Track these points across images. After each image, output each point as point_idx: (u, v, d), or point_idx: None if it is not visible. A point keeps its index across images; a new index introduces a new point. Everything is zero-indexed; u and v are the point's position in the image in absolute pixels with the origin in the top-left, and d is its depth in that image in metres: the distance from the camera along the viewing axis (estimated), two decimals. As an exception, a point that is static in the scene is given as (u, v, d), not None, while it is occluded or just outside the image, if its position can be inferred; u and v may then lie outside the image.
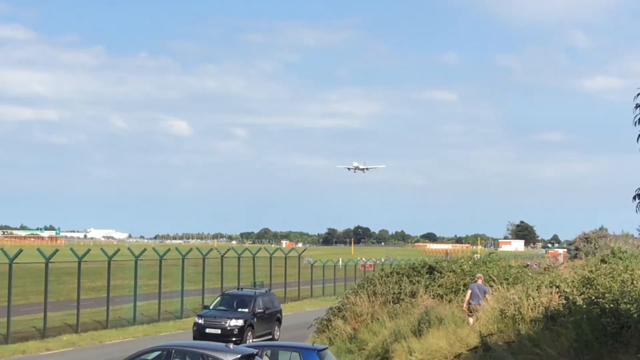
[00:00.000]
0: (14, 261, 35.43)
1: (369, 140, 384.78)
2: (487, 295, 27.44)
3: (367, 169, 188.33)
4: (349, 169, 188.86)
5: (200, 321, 35.16)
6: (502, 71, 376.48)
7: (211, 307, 36.74)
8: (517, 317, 20.08)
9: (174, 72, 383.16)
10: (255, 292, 38.08)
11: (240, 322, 34.89)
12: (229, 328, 34.58)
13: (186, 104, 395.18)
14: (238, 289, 41.39)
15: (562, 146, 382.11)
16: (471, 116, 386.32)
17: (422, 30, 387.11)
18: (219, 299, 38.07)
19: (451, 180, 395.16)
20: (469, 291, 28.59)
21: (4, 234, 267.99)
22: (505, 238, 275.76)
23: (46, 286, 37.30)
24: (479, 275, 29.72)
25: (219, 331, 34.25)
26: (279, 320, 38.84)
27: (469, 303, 28.14)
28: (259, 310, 36.61)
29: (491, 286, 27.79)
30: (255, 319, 35.85)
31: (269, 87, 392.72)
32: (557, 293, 20.61)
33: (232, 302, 36.89)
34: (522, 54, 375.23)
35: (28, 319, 39.22)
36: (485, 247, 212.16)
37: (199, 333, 34.55)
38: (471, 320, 25.30)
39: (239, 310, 36.17)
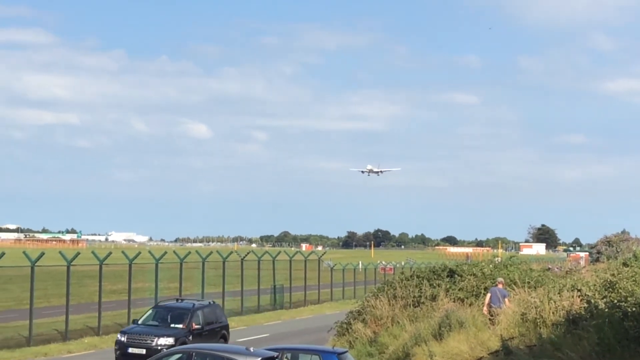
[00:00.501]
0: (36, 264, 35.63)
1: (390, 142, 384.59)
2: (506, 300, 27.49)
3: (381, 171, 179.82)
4: (362, 172, 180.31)
5: (123, 339, 29.97)
6: (524, 73, 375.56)
7: (140, 322, 31.36)
8: (538, 320, 19.98)
9: (194, 75, 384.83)
10: (194, 305, 32.41)
11: (170, 341, 29.52)
12: (157, 348, 28.77)
13: (206, 107, 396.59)
14: (177, 299, 35.22)
15: (584, 148, 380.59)
16: (492, 118, 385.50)
17: (443, 32, 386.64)
18: (150, 311, 32.59)
19: (472, 183, 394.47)
20: (489, 294, 28.51)
21: (26, 237, 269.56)
22: (527, 241, 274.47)
23: (68, 289, 37.48)
24: (499, 279, 29.60)
25: (143, 351, 29.00)
26: (225, 338, 33.18)
27: (489, 306, 28.04)
28: (197, 326, 31.21)
29: (512, 290, 27.67)
30: (190, 337, 30.43)
31: (289, 89, 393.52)
32: (579, 297, 20.49)
33: (165, 316, 31.65)
34: (543, 56, 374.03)
35: (50, 322, 39.42)
36: (506, 250, 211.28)
37: (121, 354, 29.77)
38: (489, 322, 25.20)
39: (172, 325, 30.94)
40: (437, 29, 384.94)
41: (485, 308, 28.08)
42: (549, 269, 44.18)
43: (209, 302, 34.18)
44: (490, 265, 35.16)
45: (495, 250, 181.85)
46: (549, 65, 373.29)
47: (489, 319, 26.75)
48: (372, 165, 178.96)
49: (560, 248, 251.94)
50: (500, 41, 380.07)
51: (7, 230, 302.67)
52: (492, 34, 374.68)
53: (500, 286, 28.75)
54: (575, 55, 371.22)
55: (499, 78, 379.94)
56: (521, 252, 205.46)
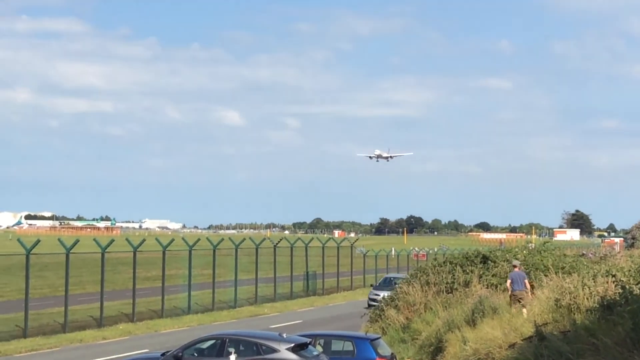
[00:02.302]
0: (71, 251, 35.97)
1: (422, 128, 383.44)
2: (526, 281, 27.93)
3: (391, 157, 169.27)
4: (370, 157, 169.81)
5: None
6: (558, 58, 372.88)
7: None
8: (572, 306, 19.82)
9: (226, 63, 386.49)
10: None
11: None
12: None
13: (239, 94, 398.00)
14: None
15: (619, 133, 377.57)
16: (526, 104, 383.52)
17: (477, 18, 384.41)
18: None
19: (505, 169, 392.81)
20: (509, 280, 28.53)
21: (61, 224, 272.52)
22: (561, 227, 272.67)
23: (102, 276, 37.81)
24: (515, 262, 29.51)
25: None
26: None
27: (513, 290, 28.09)
28: None
29: (546, 275, 27.52)
30: None
31: (321, 76, 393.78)
32: (614, 282, 20.31)
33: None
34: (577, 40, 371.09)
35: (85, 308, 39.83)
36: (539, 236, 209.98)
37: None
38: (523, 310, 25.09)
39: None
40: (470, 14, 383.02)
41: (509, 293, 28.08)
42: (583, 254, 43.93)
43: None
44: (524, 251, 34.97)
45: (528, 236, 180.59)
46: (583, 50, 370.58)
47: (517, 302, 26.80)
48: (381, 151, 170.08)
49: (595, 234, 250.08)
50: (533, 26, 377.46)
51: (43, 218, 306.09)
52: (525, 19, 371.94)
53: (517, 269, 28.78)
54: (610, 40, 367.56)
55: (533, 63, 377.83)
56: (555, 238, 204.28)
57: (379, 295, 43.17)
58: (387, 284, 48.26)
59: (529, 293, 27.53)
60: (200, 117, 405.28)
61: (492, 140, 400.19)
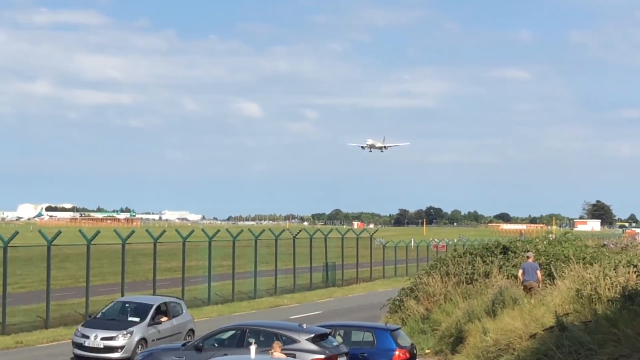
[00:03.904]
0: (91, 242, 36.14)
1: (441, 119, 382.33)
2: (538, 272, 28.48)
3: (385, 147, 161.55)
4: (362, 147, 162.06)
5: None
6: (576, 47, 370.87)
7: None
8: (593, 296, 19.75)
9: (244, 54, 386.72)
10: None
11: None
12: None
13: (257, 86, 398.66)
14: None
15: (639, 123, 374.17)
16: (544, 94, 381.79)
17: (494, 8, 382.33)
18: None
19: (525, 159, 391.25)
20: (521, 270, 28.73)
21: (81, 216, 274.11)
22: (581, 218, 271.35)
23: (123, 267, 37.96)
24: (529, 253, 29.67)
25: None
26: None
27: (524, 280, 28.35)
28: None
29: (567, 266, 27.44)
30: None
31: (339, 67, 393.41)
32: (635, 272, 20.24)
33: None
34: (596, 29, 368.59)
35: (106, 299, 39.84)
36: (560, 227, 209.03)
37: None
38: (529, 299, 25.07)
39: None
40: (488, 4, 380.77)
41: (520, 284, 28.24)
42: (605, 245, 43.73)
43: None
44: (545, 242, 34.83)
45: (549, 227, 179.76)
46: (602, 39, 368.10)
47: (528, 292, 26.90)
48: (374, 140, 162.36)
49: (616, 224, 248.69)
50: (551, 15, 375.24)
51: (63, 209, 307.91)
52: (543, 8, 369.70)
53: (530, 260, 28.91)
54: (629, 28, 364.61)
55: (551, 52, 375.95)
56: (576, 229, 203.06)
57: (88, 337, 26.72)
58: (117, 314, 28.54)
59: (540, 284, 27.70)
60: (219, 109, 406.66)
61: (511, 131, 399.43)
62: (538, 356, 17.59)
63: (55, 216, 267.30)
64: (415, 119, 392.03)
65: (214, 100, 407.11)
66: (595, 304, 19.23)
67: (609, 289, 19.76)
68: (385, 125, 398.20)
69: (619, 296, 18.74)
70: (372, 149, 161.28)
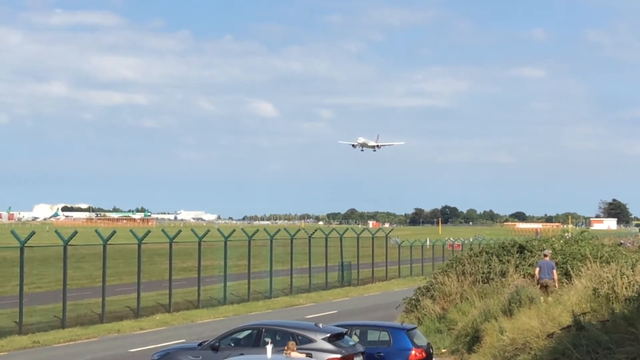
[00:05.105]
0: (107, 242, 36.24)
1: (455, 119, 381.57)
2: (554, 271, 28.58)
3: (378, 146, 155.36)
4: (353, 145, 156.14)
5: None
6: (592, 46, 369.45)
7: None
8: (611, 295, 19.63)
9: (259, 55, 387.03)
10: None
11: None
12: None
13: (272, 86, 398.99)
14: None
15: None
16: (560, 93, 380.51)
17: (508, 7, 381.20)
18: None
19: (540, 158, 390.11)
20: (538, 268, 28.73)
21: (97, 216, 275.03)
22: (597, 217, 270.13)
23: (139, 267, 38.04)
24: (546, 251, 29.66)
25: None
26: None
27: (540, 278, 28.47)
28: None
29: (584, 265, 27.34)
30: None
31: (354, 67, 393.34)
32: (653, 271, 20.12)
33: None
34: (611, 28, 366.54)
35: (122, 299, 40.12)
36: (576, 226, 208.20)
37: None
38: (548, 299, 24.98)
39: None
40: (502, 3, 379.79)
41: (536, 282, 28.25)
42: (621, 243, 43.59)
43: None
44: (561, 241, 34.69)
45: (565, 226, 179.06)
46: (617, 38, 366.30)
47: (544, 290, 26.89)
48: (366, 139, 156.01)
49: (633, 223, 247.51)
50: (567, 14, 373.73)
51: (79, 209, 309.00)
52: (558, 7, 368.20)
53: (547, 258, 28.92)
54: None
55: (567, 51, 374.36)
56: (592, 228, 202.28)
57: None
58: None
59: (556, 283, 27.70)
60: (234, 109, 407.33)
61: (526, 130, 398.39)
62: (555, 355, 17.49)
63: (71, 216, 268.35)
64: (430, 118, 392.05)
65: (229, 100, 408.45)
66: (613, 303, 19.11)
67: (626, 287, 19.64)
68: (400, 125, 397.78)
69: (636, 295, 18.63)
70: (364, 148, 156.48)
